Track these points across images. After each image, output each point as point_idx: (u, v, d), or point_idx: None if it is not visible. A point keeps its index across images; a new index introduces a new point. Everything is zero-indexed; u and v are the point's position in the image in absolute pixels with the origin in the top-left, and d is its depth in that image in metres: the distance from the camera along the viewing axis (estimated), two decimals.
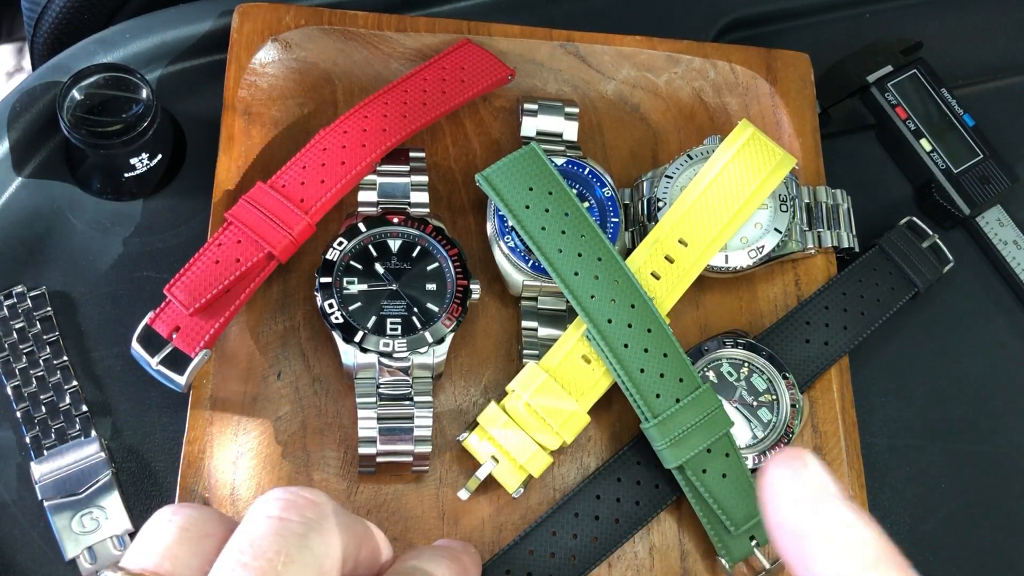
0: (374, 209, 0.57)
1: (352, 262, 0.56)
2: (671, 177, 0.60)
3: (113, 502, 0.54)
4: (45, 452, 0.54)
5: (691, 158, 0.60)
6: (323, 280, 0.55)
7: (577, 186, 0.59)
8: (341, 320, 0.54)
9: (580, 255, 0.55)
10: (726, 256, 0.59)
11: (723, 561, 0.55)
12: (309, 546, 0.31)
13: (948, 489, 0.61)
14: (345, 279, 0.55)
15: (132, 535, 0.54)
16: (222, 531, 0.33)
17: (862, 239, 0.63)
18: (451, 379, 0.58)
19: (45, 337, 0.57)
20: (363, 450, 0.53)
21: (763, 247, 0.59)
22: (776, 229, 0.59)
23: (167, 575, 0.31)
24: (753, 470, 0.55)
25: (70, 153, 0.61)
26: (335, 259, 0.55)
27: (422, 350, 0.54)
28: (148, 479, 0.55)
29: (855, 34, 0.72)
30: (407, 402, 0.54)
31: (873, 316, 0.60)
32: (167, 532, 0.32)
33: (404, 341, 0.54)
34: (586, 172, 0.59)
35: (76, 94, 0.57)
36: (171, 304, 0.53)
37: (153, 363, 0.53)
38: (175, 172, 0.62)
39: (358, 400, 0.54)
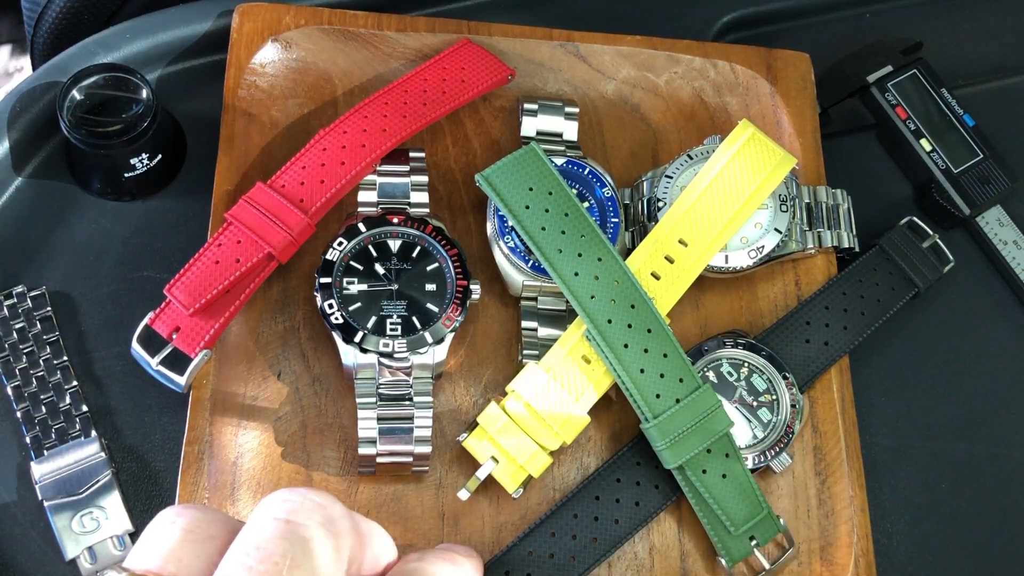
0: (374, 209, 0.57)
1: (352, 262, 0.56)
2: (671, 177, 0.60)
3: (113, 502, 0.54)
4: (45, 452, 0.54)
5: (691, 158, 0.60)
6: (323, 280, 0.55)
7: (577, 186, 0.59)
8: (341, 320, 0.54)
9: (580, 255, 0.55)
10: (726, 256, 0.59)
11: (723, 561, 0.55)
12: (315, 550, 0.31)
13: (948, 489, 0.61)
14: (345, 279, 0.55)
15: (132, 535, 0.54)
16: (226, 533, 0.33)
17: (862, 239, 0.63)
18: (451, 379, 0.58)
19: (45, 337, 0.57)
20: (363, 450, 0.53)
21: (763, 247, 0.59)
22: (776, 229, 0.59)
23: None
24: (753, 470, 0.55)
25: (70, 153, 0.61)
26: (335, 259, 0.55)
27: (422, 350, 0.54)
28: (148, 479, 0.55)
29: (855, 34, 0.72)
30: (407, 402, 0.54)
31: (873, 316, 0.60)
32: (171, 534, 0.32)
33: (404, 341, 0.54)
34: (586, 172, 0.59)
35: (76, 94, 0.57)
36: (171, 304, 0.53)
37: (153, 363, 0.53)
38: (175, 172, 0.62)
39: (358, 400, 0.54)
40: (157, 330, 0.53)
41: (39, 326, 0.57)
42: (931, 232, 0.64)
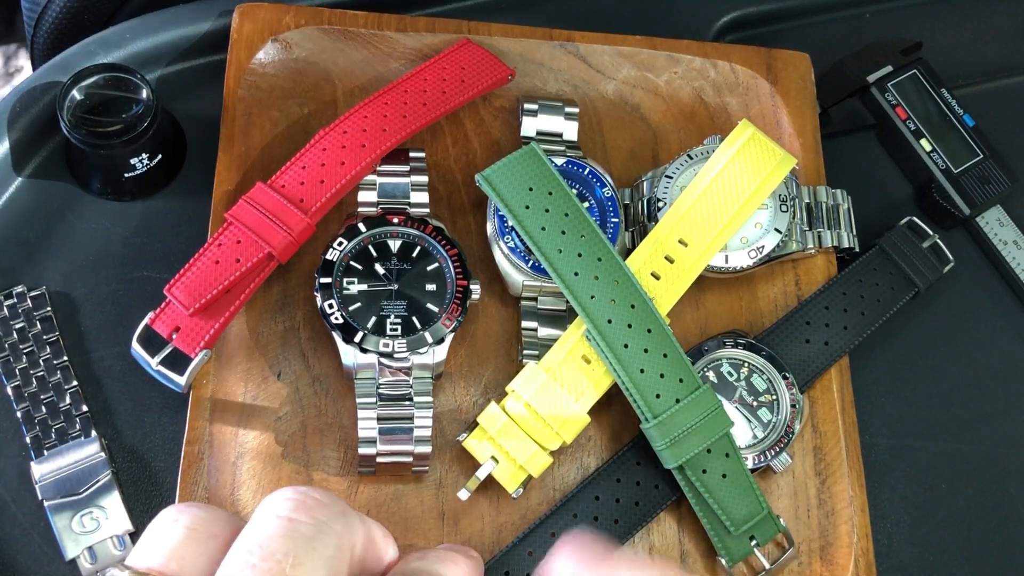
0: (374, 209, 0.57)
1: (352, 262, 0.56)
2: (671, 177, 0.60)
3: (113, 502, 0.54)
4: (45, 452, 0.54)
5: (691, 158, 0.60)
6: (323, 280, 0.55)
7: (577, 186, 0.59)
8: (341, 320, 0.54)
9: (580, 255, 0.55)
10: (726, 256, 0.59)
11: (723, 561, 0.55)
12: (317, 548, 0.31)
13: (948, 489, 0.61)
14: (345, 279, 0.55)
15: (132, 535, 0.54)
16: (229, 531, 0.33)
17: (862, 239, 0.63)
18: (451, 379, 0.58)
19: (45, 337, 0.57)
20: (363, 450, 0.53)
21: (763, 247, 0.59)
22: (776, 229, 0.59)
23: (173, 575, 0.31)
24: (753, 470, 0.55)
25: (70, 153, 0.61)
26: (335, 259, 0.55)
27: (422, 350, 0.54)
28: (148, 479, 0.55)
29: (855, 34, 0.72)
30: (407, 402, 0.54)
31: (873, 316, 0.60)
32: (174, 532, 0.32)
33: (404, 341, 0.54)
34: (586, 172, 0.59)
35: (76, 94, 0.57)
36: (171, 304, 0.53)
37: (153, 363, 0.53)
38: (175, 172, 0.62)
39: (358, 400, 0.54)
40: (157, 330, 0.53)
41: (39, 326, 0.57)
42: (931, 232, 0.64)
